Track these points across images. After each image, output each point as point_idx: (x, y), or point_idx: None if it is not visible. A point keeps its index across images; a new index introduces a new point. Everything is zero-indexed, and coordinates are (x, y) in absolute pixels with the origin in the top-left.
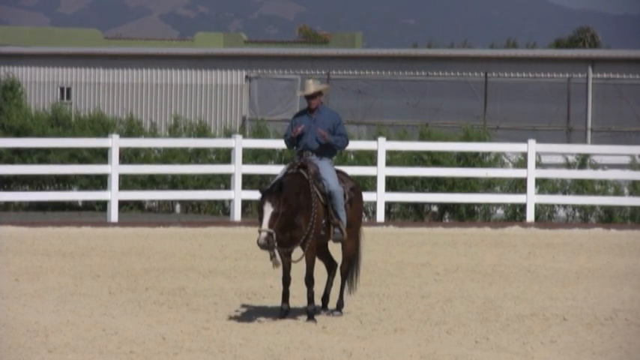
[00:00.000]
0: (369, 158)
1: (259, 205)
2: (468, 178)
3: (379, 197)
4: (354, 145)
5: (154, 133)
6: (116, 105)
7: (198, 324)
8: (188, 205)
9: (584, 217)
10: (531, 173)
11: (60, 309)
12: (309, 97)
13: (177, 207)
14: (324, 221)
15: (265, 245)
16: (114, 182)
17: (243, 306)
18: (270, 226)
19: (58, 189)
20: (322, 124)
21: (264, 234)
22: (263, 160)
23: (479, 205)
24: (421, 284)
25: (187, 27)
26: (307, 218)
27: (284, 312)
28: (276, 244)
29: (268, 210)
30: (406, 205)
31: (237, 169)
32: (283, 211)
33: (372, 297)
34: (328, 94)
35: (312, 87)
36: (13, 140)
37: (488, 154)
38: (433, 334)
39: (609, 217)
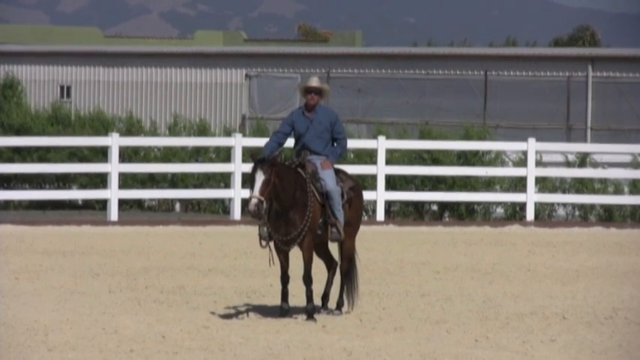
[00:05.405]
0: (368, 157)
1: (251, 173)
2: (467, 177)
3: (379, 196)
4: (353, 143)
5: (153, 132)
6: (116, 103)
7: (198, 323)
8: (188, 204)
9: (584, 215)
10: (531, 172)
11: (60, 308)
12: (310, 91)
13: (177, 206)
14: (320, 220)
15: (255, 212)
16: (114, 181)
17: (243, 305)
18: (262, 193)
19: (58, 188)
20: (319, 124)
21: (254, 200)
22: None
23: (479, 203)
24: (421, 283)
25: (187, 25)
26: (302, 215)
27: (284, 311)
28: (266, 217)
29: (260, 177)
30: (406, 203)
31: (237, 167)
32: (275, 180)
33: (371, 296)
34: (327, 95)
35: (315, 82)
36: (13, 139)
37: (488, 152)
38: (433, 333)
39: (609, 216)
